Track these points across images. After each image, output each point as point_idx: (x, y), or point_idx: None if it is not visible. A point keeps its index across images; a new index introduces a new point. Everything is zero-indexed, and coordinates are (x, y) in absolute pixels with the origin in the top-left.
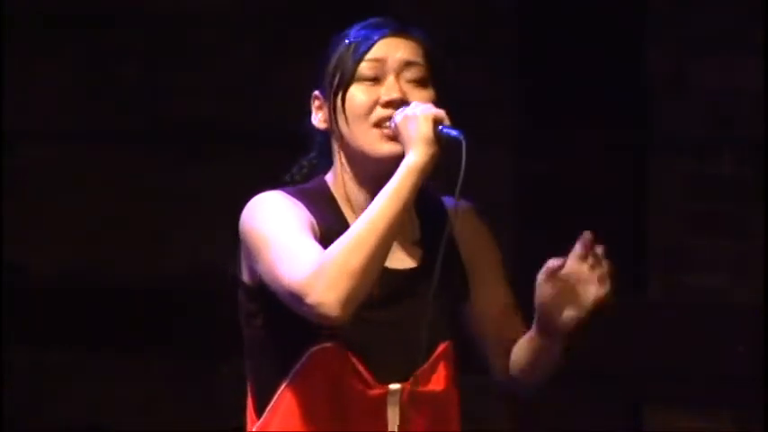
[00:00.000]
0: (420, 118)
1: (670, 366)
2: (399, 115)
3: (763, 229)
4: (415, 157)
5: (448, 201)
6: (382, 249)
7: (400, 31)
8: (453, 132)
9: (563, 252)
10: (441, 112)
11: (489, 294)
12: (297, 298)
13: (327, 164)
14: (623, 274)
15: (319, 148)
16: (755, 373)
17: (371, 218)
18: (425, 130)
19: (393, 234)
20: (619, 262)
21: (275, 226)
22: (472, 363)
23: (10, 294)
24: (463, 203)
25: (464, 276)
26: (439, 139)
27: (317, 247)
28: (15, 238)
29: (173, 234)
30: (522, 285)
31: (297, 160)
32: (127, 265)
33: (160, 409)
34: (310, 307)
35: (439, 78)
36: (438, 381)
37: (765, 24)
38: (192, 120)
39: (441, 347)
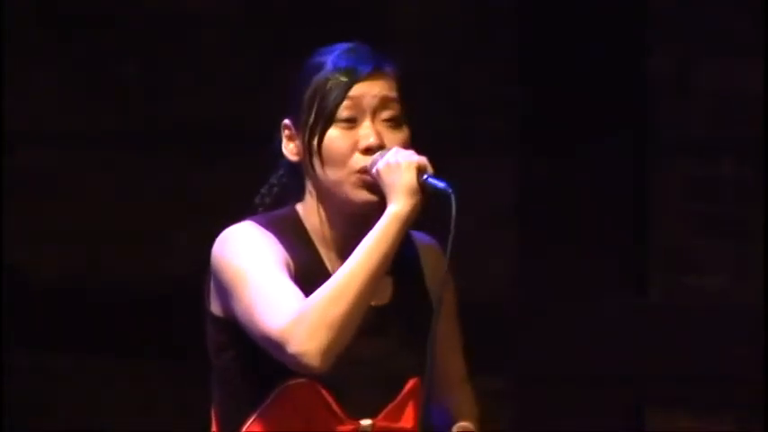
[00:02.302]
0: (403, 166)
1: (671, 368)
2: (381, 162)
3: (764, 231)
4: (399, 207)
5: (417, 236)
6: (363, 300)
7: (376, 70)
8: (440, 184)
9: (563, 254)
10: (423, 160)
11: (440, 334)
12: (276, 346)
13: (297, 185)
14: (624, 275)
15: (288, 169)
16: (756, 374)
17: (353, 268)
18: (409, 179)
19: (375, 284)
20: (620, 263)
21: (251, 264)
22: (472, 364)
23: (10, 296)
24: (430, 242)
25: (430, 308)
26: (423, 189)
27: (296, 291)
28: (15, 240)
29: (173, 235)
30: (522, 287)
31: (266, 180)
32: (127, 266)
33: (161, 412)
34: (291, 356)
35: (410, 114)
36: (407, 418)
37: (766, 26)
38: (192, 120)
39: (410, 384)
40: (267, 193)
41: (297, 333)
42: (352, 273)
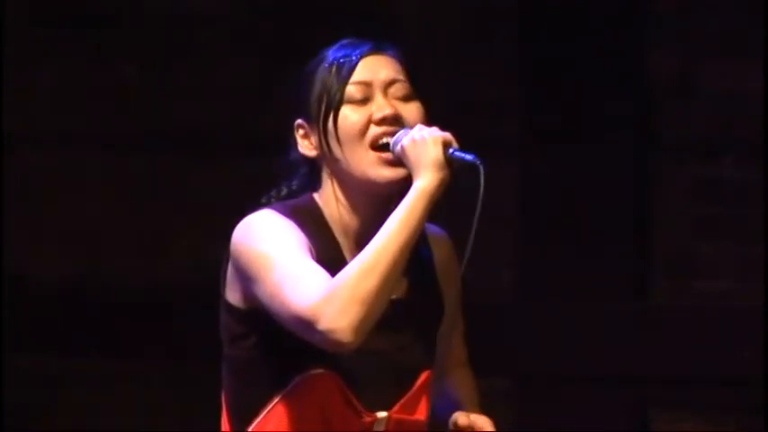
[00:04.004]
0: (429, 141)
1: (674, 369)
2: (406, 139)
3: (765, 232)
4: (426, 182)
5: (429, 228)
6: (393, 274)
7: (378, 49)
8: (468, 156)
9: (564, 255)
10: (448, 135)
11: (445, 321)
12: (306, 324)
13: (310, 186)
14: (625, 276)
15: (302, 178)
16: (757, 375)
17: (383, 242)
18: (436, 153)
19: (404, 259)
20: (621, 264)
21: (275, 248)
22: (472, 364)
23: (10, 297)
24: (442, 235)
25: (441, 302)
26: (450, 163)
27: (323, 270)
28: (15, 241)
29: (173, 238)
30: (522, 287)
31: (277, 185)
32: (127, 267)
33: (161, 413)
34: (322, 333)
35: (420, 92)
36: (422, 410)
37: (766, 26)
38: (192, 121)
39: (423, 376)
40: (275, 195)
41: (328, 309)
42: (381, 247)
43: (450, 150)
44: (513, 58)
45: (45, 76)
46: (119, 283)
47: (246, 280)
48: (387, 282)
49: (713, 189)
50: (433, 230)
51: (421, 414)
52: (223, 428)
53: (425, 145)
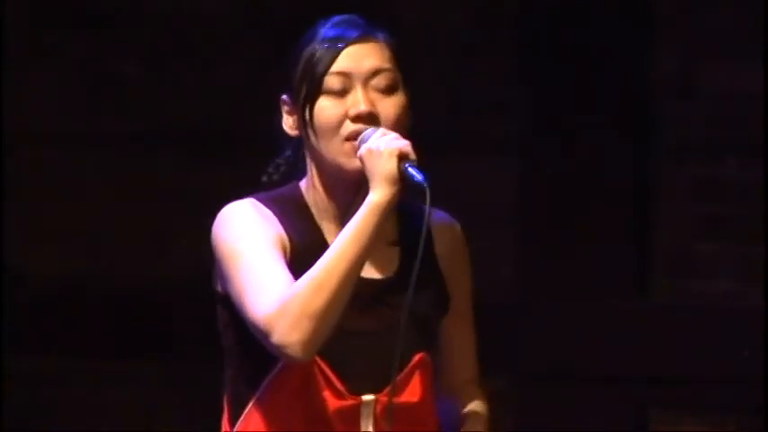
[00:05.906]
0: (384, 154)
1: (674, 369)
2: (364, 148)
3: (766, 232)
4: (378, 197)
5: (436, 213)
6: (344, 290)
7: (364, 36)
8: (418, 177)
9: (564, 255)
10: (406, 147)
11: (450, 325)
12: (262, 334)
13: (303, 162)
14: (626, 276)
15: (293, 147)
16: (759, 375)
17: (333, 258)
18: (390, 167)
19: (356, 273)
20: (621, 264)
21: (243, 247)
22: None
23: (10, 297)
24: (448, 220)
25: (444, 289)
26: (404, 177)
27: (285, 276)
28: (15, 240)
29: (173, 235)
30: (522, 287)
31: (272, 160)
32: (127, 267)
33: (161, 413)
34: (275, 346)
35: (408, 78)
36: (413, 392)
37: (767, 27)
38: (192, 120)
39: (416, 358)
40: (274, 171)
41: (280, 324)
42: (332, 263)
43: (406, 165)
44: (513, 58)
45: (45, 76)
46: (119, 283)
47: (220, 272)
48: (337, 297)
49: (713, 189)
50: (441, 217)
51: (413, 396)
52: (223, 424)
53: (380, 157)
